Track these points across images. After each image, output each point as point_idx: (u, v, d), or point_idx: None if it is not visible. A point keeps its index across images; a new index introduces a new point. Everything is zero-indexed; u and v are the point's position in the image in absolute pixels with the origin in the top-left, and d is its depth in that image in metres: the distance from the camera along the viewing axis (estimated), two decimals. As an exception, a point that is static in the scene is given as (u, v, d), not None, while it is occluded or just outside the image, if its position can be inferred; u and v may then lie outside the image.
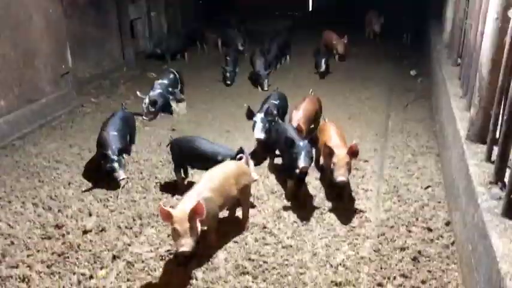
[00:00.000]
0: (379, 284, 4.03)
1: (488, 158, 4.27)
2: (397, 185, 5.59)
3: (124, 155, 5.69)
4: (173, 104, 7.83)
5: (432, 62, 9.12)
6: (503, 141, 3.77)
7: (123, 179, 5.50)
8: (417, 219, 4.90)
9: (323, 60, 9.91)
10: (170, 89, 7.90)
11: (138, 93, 7.65)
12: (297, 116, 6.43)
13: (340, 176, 4.82)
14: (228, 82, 9.70)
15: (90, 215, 5.11)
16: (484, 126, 4.54)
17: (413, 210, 5.05)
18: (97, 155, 5.84)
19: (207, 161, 5.04)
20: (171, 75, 8.17)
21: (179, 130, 7.39)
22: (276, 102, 6.76)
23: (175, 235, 3.78)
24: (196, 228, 3.82)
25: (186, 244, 3.73)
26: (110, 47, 9.77)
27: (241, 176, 4.58)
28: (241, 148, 5.05)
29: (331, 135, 5.46)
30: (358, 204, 5.24)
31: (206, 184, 4.25)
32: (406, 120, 7.67)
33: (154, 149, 6.75)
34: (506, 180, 3.91)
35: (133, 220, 5.02)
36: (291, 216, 5.01)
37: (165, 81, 7.96)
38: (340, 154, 4.94)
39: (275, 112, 6.31)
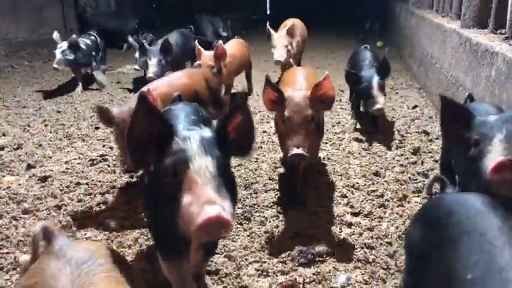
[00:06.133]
0: (376, 173, 3.15)
1: (496, 29, 3.58)
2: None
3: None
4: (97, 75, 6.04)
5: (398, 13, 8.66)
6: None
7: None
8: (409, 126, 4.11)
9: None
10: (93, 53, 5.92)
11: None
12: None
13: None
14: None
15: (4, 135, 4.01)
16: (484, 3, 3.88)
17: (404, 122, 4.24)
18: None
19: None
20: (92, 37, 6.15)
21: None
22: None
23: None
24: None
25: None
26: (49, 15, 8.75)
27: None
28: None
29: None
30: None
31: None
32: (379, 70, 6.99)
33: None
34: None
35: (60, 140, 3.96)
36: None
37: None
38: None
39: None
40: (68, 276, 1.06)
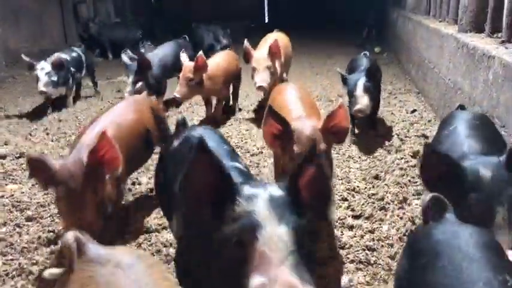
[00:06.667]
0: (376, 177, 3.17)
1: (492, 33, 3.62)
2: (381, 113, 4.84)
3: None
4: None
5: (394, 18, 8.71)
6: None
7: None
8: (409, 130, 4.14)
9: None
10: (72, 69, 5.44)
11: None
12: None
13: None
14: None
15: (6, 144, 4.05)
16: (481, 8, 3.92)
17: (403, 126, 4.28)
18: None
19: None
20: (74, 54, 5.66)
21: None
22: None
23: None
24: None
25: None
26: (49, 25, 8.84)
27: None
28: None
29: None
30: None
31: None
32: (377, 75, 7.04)
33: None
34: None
35: (62, 149, 3.99)
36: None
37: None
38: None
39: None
40: (127, 279, 0.99)
